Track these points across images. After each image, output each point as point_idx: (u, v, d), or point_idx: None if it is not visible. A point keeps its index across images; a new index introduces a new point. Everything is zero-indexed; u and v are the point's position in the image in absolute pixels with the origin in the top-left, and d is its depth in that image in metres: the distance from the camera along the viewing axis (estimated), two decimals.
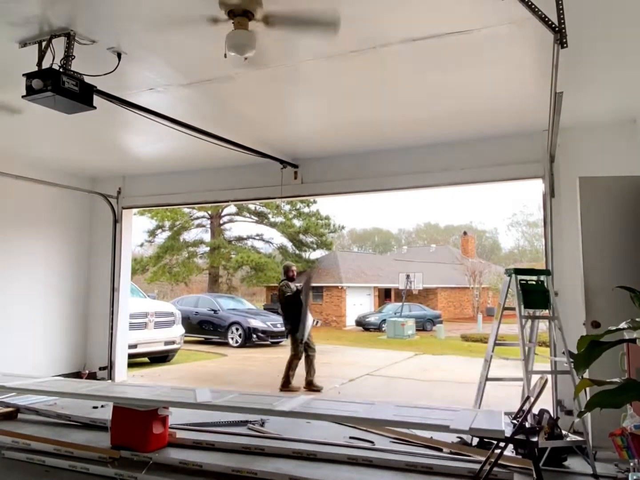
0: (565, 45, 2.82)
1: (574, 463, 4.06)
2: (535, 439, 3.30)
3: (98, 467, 4.00)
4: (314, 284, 29.44)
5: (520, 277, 4.51)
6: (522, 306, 4.40)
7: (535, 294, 4.44)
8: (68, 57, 3.48)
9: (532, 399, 3.58)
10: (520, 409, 3.64)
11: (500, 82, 4.25)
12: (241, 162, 6.71)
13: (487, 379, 4.63)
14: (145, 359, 10.23)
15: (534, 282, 4.54)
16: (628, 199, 4.36)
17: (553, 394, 5.14)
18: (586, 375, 3.11)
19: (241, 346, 14.87)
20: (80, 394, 4.65)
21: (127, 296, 8.00)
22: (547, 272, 4.60)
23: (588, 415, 4.11)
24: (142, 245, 26.66)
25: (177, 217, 25.24)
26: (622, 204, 4.37)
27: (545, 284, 4.52)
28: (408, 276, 26.16)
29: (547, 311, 4.50)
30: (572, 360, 4.28)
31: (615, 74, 4.10)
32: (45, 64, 3.49)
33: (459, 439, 4.64)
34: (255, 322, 15.26)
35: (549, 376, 4.07)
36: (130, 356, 8.37)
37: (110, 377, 7.53)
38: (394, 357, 12.78)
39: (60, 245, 7.62)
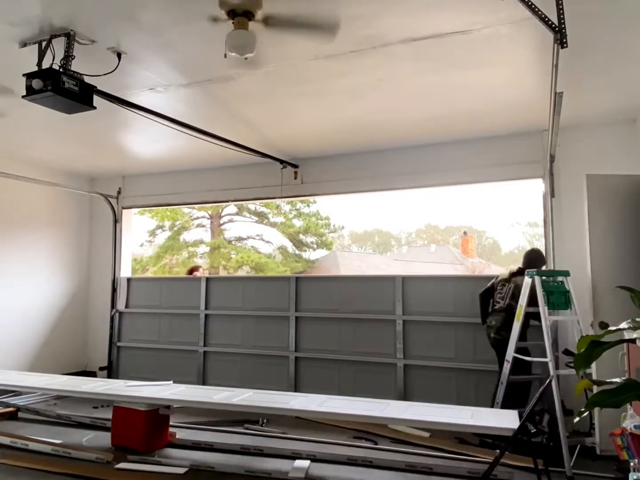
0: (565, 45, 2.82)
1: (575, 462, 4.06)
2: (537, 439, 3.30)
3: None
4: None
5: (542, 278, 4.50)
6: (546, 307, 4.39)
7: (556, 295, 4.45)
8: (68, 57, 3.47)
9: (535, 399, 3.59)
10: (532, 409, 3.63)
11: (500, 82, 4.24)
12: (241, 162, 6.71)
13: (509, 379, 4.62)
14: None
15: (555, 284, 4.53)
16: (636, 198, 4.28)
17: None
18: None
19: None
20: (84, 392, 4.66)
21: None
22: (566, 273, 4.58)
23: (596, 415, 4.11)
24: (142, 245, 26.66)
25: (177, 217, 25.24)
26: (630, 203, 4.28)
27: (566, 285, 4.52)
28: None
29: (568, 311, 4.50)
30: (571, 360, 4.28)
31: (615, 74, 4.10)
32: (45, 64, 3.49)
33: (457, 439, 4.64)
34: None
35: (555, 376, 4.07)
36: None
37: (110, 376, 7.52)
38: None
39: (61, 245, 7.61)
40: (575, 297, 4.46)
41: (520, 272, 4.96)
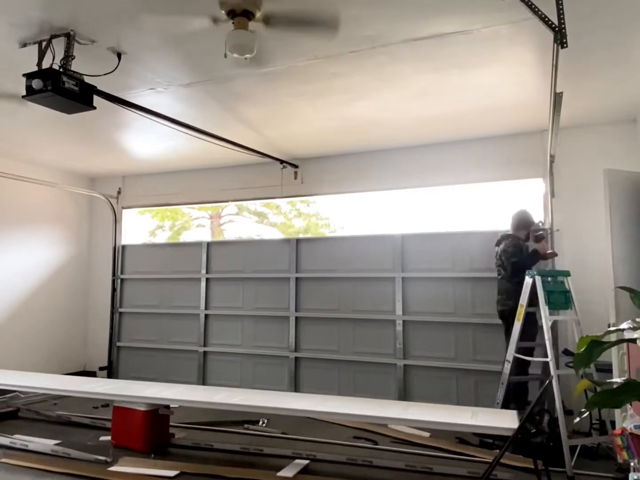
0: (565, 45, 2.82)
1: (575, 462, 4.05)
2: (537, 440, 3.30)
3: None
4: None
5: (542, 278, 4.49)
6: (547, 307, 4.38)
7: (557, 295, 4.44)
8: (68, 57, 3.47)
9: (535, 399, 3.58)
10: (532, 409, 3.62)
11: (500, 82, 4.24)
12: (241, 162, 6.71)
13: (509, 379, 4.60)
14: None
15: (555, 283, 4.52)
16: None
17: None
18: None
19: None
20: (84, 392, 4.65)
21: None
22: (566, 273, 4.57)
23: (607, 415, 4.09)
24: None
25: (177, 217, 25.25)
26: None
27: (566, 285, 4.51)
28: None
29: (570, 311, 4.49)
30: (571, 360, 4.28)
31: (615, 74, 4.10)
32: (45, 64, 3.49)
33: (457, 439, 4.64)
34: None
35: (555, 376, 4.07)
36: None
37: (110, 376, 7.52)
38: None
39: (61, 245, 7.61)
40: (576, 296, 4.46)
41: (505, 237, 4.99)
